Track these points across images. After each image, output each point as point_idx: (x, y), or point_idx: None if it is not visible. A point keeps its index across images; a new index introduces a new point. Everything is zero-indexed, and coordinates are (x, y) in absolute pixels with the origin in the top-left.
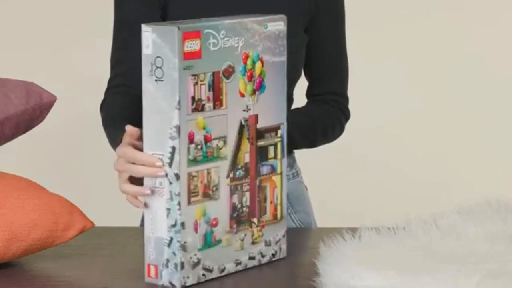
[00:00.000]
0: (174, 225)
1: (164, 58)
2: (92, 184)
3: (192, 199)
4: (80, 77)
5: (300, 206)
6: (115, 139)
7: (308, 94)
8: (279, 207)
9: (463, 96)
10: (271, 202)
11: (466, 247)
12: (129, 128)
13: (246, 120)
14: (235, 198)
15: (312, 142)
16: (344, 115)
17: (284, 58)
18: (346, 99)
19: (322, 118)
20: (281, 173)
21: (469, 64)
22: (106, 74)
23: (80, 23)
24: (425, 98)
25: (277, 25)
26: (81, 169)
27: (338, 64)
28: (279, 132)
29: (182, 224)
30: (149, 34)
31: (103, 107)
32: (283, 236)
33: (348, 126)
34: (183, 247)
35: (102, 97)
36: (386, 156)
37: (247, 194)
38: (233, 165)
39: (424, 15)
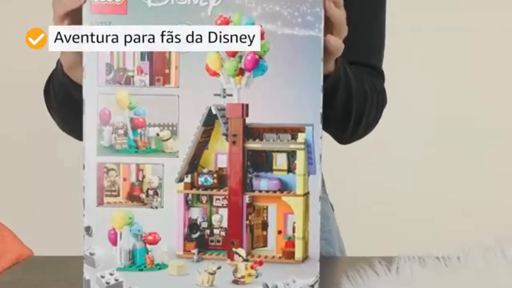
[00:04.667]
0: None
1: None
2: (30, 201)
3: (107, 199)
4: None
5: (320, 232)
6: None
7: None
8: (299, 243)
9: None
10: (279, 233)
11: None
12: None
13: (221, 109)
14: (196, 213)
15: (364, 91)
16: (383, 90)
17: (315, 33)
18: (380, 73)
19: (365, 76)
20: (305, 195)
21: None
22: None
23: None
24: (462, 121)
25: None
26: (16, 180)
27: (369, 31)
28: (301, 136)
29: (87, 229)
30: None
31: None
32: (311, 287)
33: (394, 124)
34: (89, 260)
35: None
36: (435, 168)
37: (223, 212)
38: (192, 167)
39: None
